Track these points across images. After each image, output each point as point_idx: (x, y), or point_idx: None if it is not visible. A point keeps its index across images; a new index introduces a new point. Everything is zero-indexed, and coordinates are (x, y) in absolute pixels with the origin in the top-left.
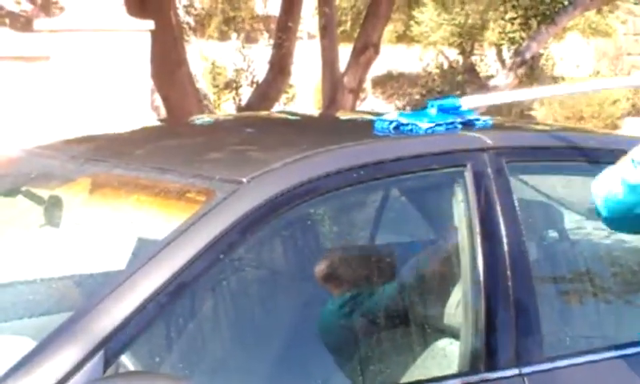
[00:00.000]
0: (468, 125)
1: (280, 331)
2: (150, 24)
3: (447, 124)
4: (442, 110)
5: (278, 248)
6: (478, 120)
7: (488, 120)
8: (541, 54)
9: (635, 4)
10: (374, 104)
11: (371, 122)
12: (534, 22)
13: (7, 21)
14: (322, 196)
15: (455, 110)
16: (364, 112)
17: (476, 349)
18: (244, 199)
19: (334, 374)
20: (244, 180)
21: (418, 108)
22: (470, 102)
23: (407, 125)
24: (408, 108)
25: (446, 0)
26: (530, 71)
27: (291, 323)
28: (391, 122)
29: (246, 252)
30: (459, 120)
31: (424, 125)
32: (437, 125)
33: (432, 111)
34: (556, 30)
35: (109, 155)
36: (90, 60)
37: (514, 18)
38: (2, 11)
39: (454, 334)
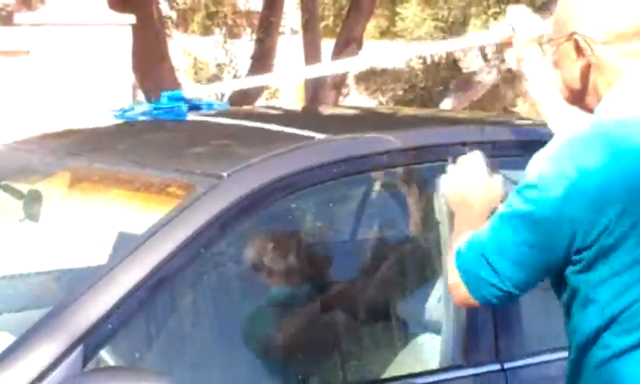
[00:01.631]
0: (195, 108)
1: (260, 325)
2: (132, 18)
3: (173, 108)
4: (171, 99)
5: (258, 242)
6: (204, 105)
7: (213, 103)
8: None
9: None
10: (357, 100)
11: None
12: None
13: None
14: (302, 190)
15: (181, 99)
16: (346, 106)
17: (457, 344)
18: (224, 194)
19: (314, 368)
20: (224, 174)
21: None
22: (192, 93)
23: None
24: (391, 103)
25: None
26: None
27: (271, 318)
28: (127, 109)
29: (227, 246)
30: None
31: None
32: (154, 109)
33: (163, 100)
34: None
35: (89, 149)
36: (70, 54)
37: (497, 13)
38: None
39: (435, 330)
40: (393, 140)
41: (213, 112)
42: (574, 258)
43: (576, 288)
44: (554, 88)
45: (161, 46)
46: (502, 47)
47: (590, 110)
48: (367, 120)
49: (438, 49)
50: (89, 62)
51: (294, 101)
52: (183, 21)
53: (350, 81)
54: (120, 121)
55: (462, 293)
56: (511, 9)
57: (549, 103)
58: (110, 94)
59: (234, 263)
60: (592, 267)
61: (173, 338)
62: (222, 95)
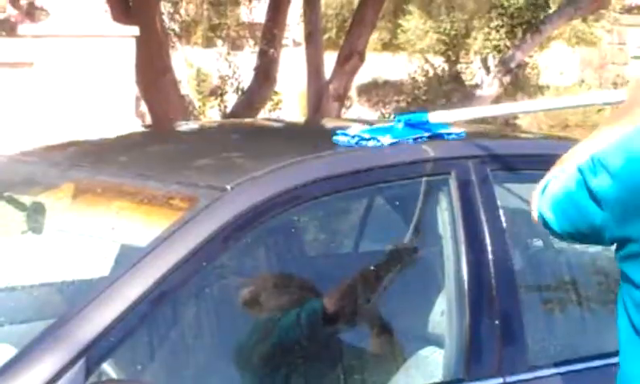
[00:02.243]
0: (436, 138)
1: (263, 339)
2: (135, 30)
3: (413, 139)
4: (410, 125)
5: (261, 255)
6: (448, 133)
7: (461, 132)
8: (526, 63)
9: (620, 13)
10: (359, 111)
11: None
12: (519, 31)
13: None
14: (305, 203)
15: (423, 125)
16: (352, 119)
17: (460, 357)
18: (228, 206)
19: (317, 382)
20: (228, 187)
21: (387, 122)
22: (439, 117)
23: (369, 139)
24: (392, 115)
25: (432, 8)
26: (515, 80)
27: (274, 331)
28: (353, 136)
29: (229, 259)
30: (426, 134)
31: (385, 140)
32: (399, 141)
33: (399, 126)
34: (541, 38)
35: (92, 161)
36: (74, 66)
37: (500, 26)
38: None
39: (438, 343)
40: (397, 154)
41: (214, 123)
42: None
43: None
44: None
45: (164, 58)
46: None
47: None
48: None
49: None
50: (92, 74)
51: (296, 113)
52: (186, 33)
53: (353, 92)
54: (123, 132)
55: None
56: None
57: None
58: (113, 106)
59: (236, 276)
60: None
61: (175, 352)
62: None
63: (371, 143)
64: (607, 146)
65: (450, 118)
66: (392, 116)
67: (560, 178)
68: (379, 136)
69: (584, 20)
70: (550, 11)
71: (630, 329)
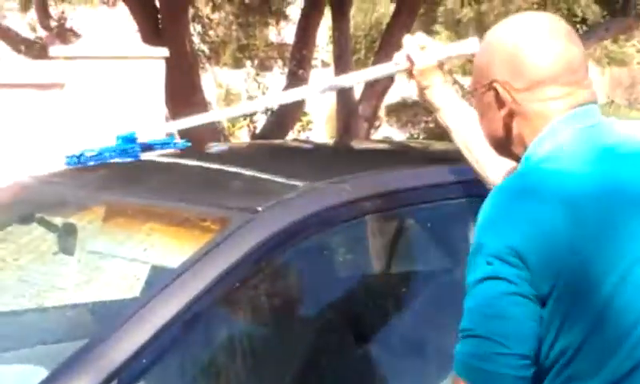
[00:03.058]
0: (147, 148)
1: (294, 361)
2: (165, 51)
3: (120, 151)
4: (124, 140)
5: (292, 278)
6: (163, 144)
7: (169, 142)
8: None
9: None
10: (388, 132)
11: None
12: None
13: (22, 48)
14: (337, 225)
15: (133, 140)
16: (379, 140)
17: None
18: (259, 228)
19: None
20: (259, 209)
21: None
22: (145, 135)
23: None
24: (422, 135)
25: (460, 28)
26: None
27: (306, 353)
28: (78, 155)
29: (261, 282)
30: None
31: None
32: (102, 152)
33: (115, 143)
34: None
35: (123, 183)
36: (104, 87)
37: None
38: (18, 38)
39: None
40: (424, 175)
41: (244, 145)
42: None
43: None
44: (465, 109)
45: (193, 79)
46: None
47: (517, 159)
48: (399, 155)
49: (339, 82)
50: (122, 95)
51: (324, 134)
52: (215, 53)
53: (382, 113)
54: (155, 154)
55: None
56: (406, 38)
57: (466, 136)
58: (141, 130)
59: (268, 298)
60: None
61: (206, 375)
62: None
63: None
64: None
65: (158, 132)
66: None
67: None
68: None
69: (615, 40)
70: (580, 32)
71: None
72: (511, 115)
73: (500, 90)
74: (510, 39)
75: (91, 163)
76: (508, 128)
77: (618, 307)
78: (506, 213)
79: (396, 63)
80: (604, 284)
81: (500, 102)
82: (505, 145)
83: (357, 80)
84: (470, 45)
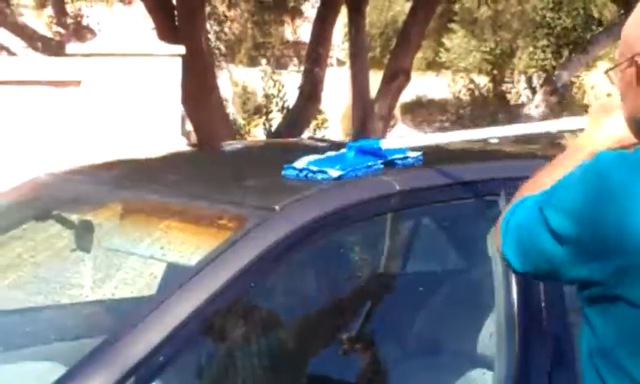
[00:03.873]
0: (390, 165)
1: (311, 358)
2: (182, 49)
3: (365, 167)
4: (362, 152)
5: (309, 275)
6: (403, 159)
7: (418, 157)
8: (572, 83)
9: None
10: (403, 130)
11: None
12: (565, 50)
13: (40, 45)
14: (353, 224)
15: (375, 152)
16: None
17: (509, 380)
18: (276, 227)
19: None
20: (276, 207)
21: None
22: (391, 143)
23: (316, 172)
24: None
25: (476, 27)
26: (562, 99)
27: (322, 350)
28: (301, 170)
29: (278, 279)
30: (380, 162)
31: (334, 172)
32: (349, 171)
33: (350, 154)
34: (588, 58)
35: (140, 181)
36: (121, 84)
37: (546, 46)
38: (34, 35)
39: (487, 365)
40: (445, 174)
41: (260, 143)
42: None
43: None
44: None
45: (210, 77)
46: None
47: None
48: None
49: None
50: (139, 92)
51: (339, 132)
52: (230, 51)
53: (397, 111)
54: (172, 152)
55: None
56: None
57: None
58: (159, 125)
59: (285, 296)
60: None
61: (223, 371)
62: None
63: (320, 176)
64: (565, 181)
65: (403, 144)
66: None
67: (519, 214)
68: (327, 168)
69: None
70: (597, 31)
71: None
72: None
73: None
74: None
75: (334, 176)
76: None
77: None
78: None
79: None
80: None
81: None
82: None
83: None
84: None
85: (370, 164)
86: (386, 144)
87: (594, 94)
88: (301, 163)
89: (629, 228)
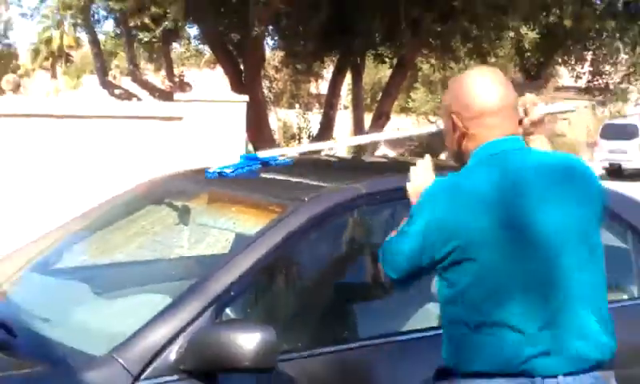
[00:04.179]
0: (266, 164)
1: (328, 292)
2: (246, 98)
3: (247, 166)
4: (247, 158)
5: (324, 243)
6: (274, 160)
7: (286, 160)
8: None
9: None
10: (384, 151)
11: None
12: None
13: (156, 94)
14: (352, 211)
15: (255, 157)
16: (378, 157)
17: None
18: (305, 211)
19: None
20: (305, 199)
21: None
22: (265, 154)
23: (221, 172)
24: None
25: (432, 84)
26: None
27: (336, 286)
28: (212, 172)
29: (306, 246)
30: (259, 163)
31: (229, 171)
32: (239, 168)
33: (241, 160)
34: None
35: (219, 181)
36: (208, 120)
37: None
38: (153, 88)
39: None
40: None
41: (295, 160)
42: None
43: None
44: None
45: (263, 115)
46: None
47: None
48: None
49: (387, 136)
50: (219, 125)
51: (345, 152)
52: (276, 99)
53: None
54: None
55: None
56: (528, 96)
57: None
58: (230, 147)
59: (311, 256)
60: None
61: (272, 303)
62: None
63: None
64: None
65: (272, 154)
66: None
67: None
68: (226, 169)
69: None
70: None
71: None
72: (462, 136)
73: (455, 118)
74: (465, 84)
75: (229, 173)
76: (460, 145)
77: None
78: (433, 197)
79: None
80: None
81: (455, 126)
82: (458, 156)
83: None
84: (566, 106)
85: (251, 165)
86: (262, 154)
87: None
88: (214, 168)
89: (458, 221)
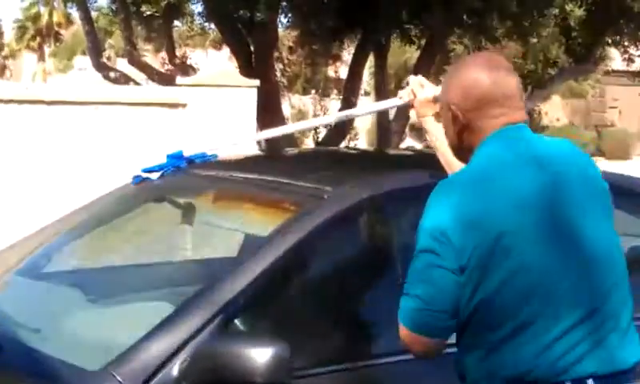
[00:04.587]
0: (191, 161)
1: (349, 303)
2: (257, 82)
3: (172, 165)
4: (172, 157)
5: (347, 246)
6: (202, 158)
7: (214, 155)
8: (533, 110)
9: (602, 75)
10: (410, 142)
11: None
12: (529, 87)
13: (156, 78)
14: (372, 208)
15: (181, 156)
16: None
17: None
18: (324, 210)
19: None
20: (325, 196)
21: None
22: (192, 151)
23: (145, 178)
24: None
25: None
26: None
27: (359, 296)
28: (137, 176)
29: (324, 249)
30: (185, 162)
31: (154, 175)
32: (164, 170)
33: (167, 160)
34: (545, 93)
35: (226, 176)
36: (214, 106)
37: None
38: (153, 71)
39: None
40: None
41: (310, 150)
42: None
43: None
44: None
45: (275, 102)
46: (407, 109)
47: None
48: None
49: (354, 112)
50: (228, 112)
51: (365, 142)
52: (290, 84)
53: (407, 128)
54: (248, 155)
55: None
56: (412, 78)
57: (444, 151)
58: (240, 135)
59: (331, 261)
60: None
61: (286, 313)
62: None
63: (149, 178)
64: (437, 218)
65: (195, 152)
66: None
67: (412, 291)
68: (151, 173)
69: (575, 80)
70: (552, 74)
71: None
72: (462, 129)
73: (453, 109)
74: (465, 72)
75: (155, 177)
76: (461, 139)
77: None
78: (439, 201)
79: (400, 97)
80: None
81: (455, 119)
82: (460, 151)
83: (371, 110)
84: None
85: (176, 165)
86: (187, 152)
87: (548, 118)
88: (137, 172)
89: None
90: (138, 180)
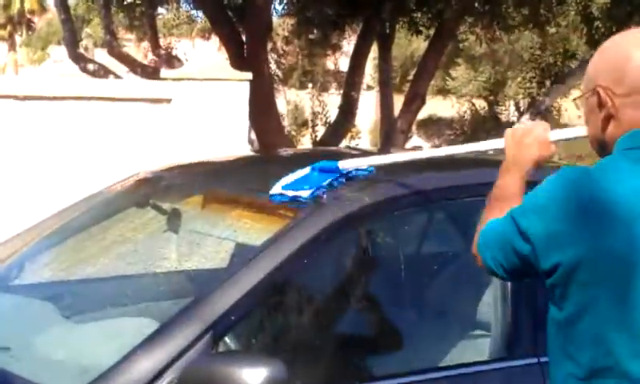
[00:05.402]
0: (350, 178)
1: (349, 321)
2: (249, 75)
3: (328, 185)
4: (323, 171)
5: (348, 257)
6: (358, 171)
7: (369, 168)
8: (553, 106)
9: None
10: (417, 142)
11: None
12: (547, 81)
13: (139, 70)
14: (378, 215)
15: (334, 169)
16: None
17: (502, 340)
18: (323, 217)
19: (391, 354)
20: (324, 201)
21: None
22: (347, 164)
23: (292, 197)
24: (444, 144)
25: (475, 61)
26: (544, 119)
27: (365, 308)
28: (281, 195)
29: (323, 259)
30: (338, 176)
31: (304, 193)
32: (317, 189)
33: (314, 174)
34: (565, 88)
35: (216, 179)
36: (202, 102)
37: (533, 78)
38: (135, 62)
39: (485, 328)
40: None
41: (308, 150)
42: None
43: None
44: None
45: (269, 97)
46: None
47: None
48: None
49: (453, 151)
50: (216, 108)
51: (368, 142)
52: (285, 77)
53: (414, 127)
54: (240, 156)
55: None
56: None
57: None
58: (230, 134)
59: (330, 273)
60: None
61: (281, 331)
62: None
63: (296, 200)
64: (532, 194)
65: (356, 165)
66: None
67: (492, 230)
68: (300, 191)
69: None
70: (573, 67)
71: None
72: (608, 118)
73: (602, 93)
74: (617, 51)
75: (306, 196)
76: (605, 130)
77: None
78: (548, 199)
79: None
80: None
81: (601, 105)
82: (604, 146)
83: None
84: (579, 130)
85: (330, 180)
86: (342, 164)
87: (568, 115)
88: (275, 189)
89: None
90: (282, 199)
